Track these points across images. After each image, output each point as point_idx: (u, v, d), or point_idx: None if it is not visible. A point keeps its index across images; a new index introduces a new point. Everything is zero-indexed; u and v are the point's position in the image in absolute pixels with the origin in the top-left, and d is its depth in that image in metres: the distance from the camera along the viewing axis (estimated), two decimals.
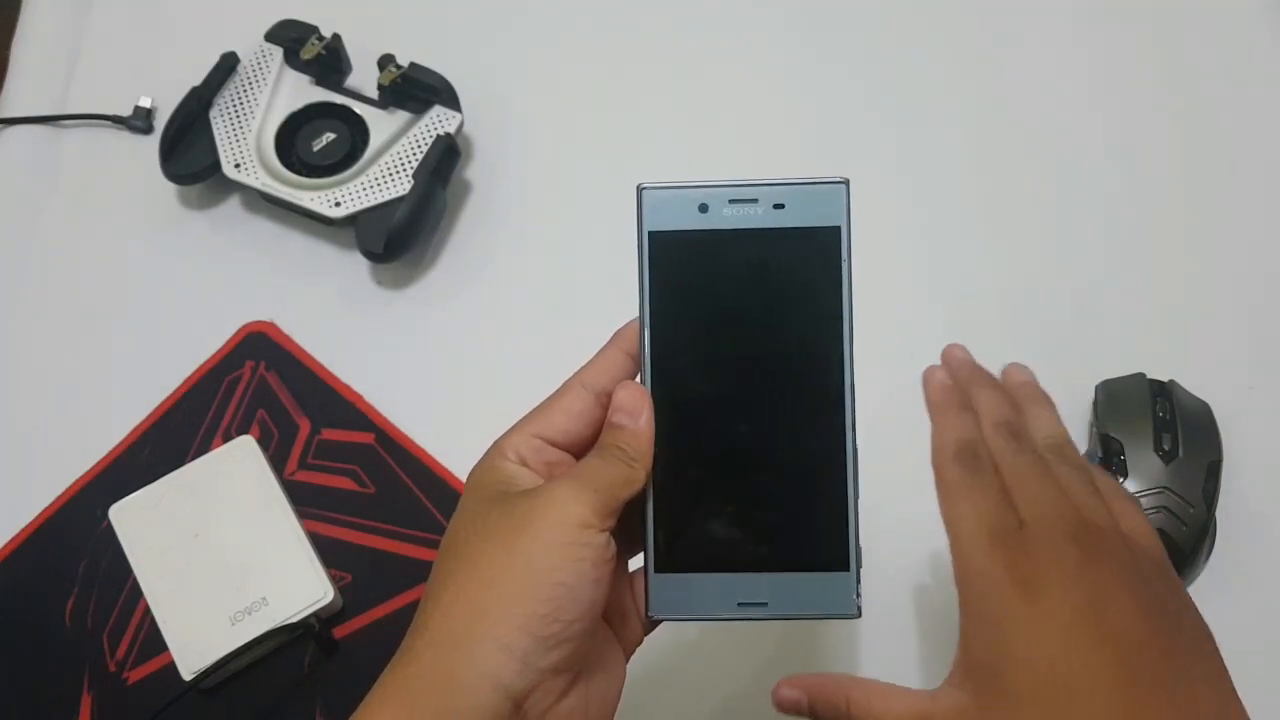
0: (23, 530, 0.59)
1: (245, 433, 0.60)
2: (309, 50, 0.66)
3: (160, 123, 0.67)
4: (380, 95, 0.66)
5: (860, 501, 0.37)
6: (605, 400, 0.37)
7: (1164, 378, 0.58)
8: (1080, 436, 0.59)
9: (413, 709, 0.33)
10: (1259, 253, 0.65)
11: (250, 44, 0.67)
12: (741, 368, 0.37)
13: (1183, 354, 0.61)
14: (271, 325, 0.64)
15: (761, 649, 0.56)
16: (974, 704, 0.34)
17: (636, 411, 0.36)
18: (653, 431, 0.36)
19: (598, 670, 0.36)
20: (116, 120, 0.69)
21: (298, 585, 0.54)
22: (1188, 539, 0.54)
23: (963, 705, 0.35)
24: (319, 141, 0.65)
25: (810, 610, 0.37)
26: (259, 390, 0.62)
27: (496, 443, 0.37)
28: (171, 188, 0.67)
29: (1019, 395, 0.43)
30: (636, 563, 0.38)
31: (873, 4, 0.73)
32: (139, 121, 0.69)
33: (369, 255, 0.63)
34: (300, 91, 0.66)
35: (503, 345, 0.63)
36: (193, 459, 0.58)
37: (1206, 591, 0.55)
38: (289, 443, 0.60)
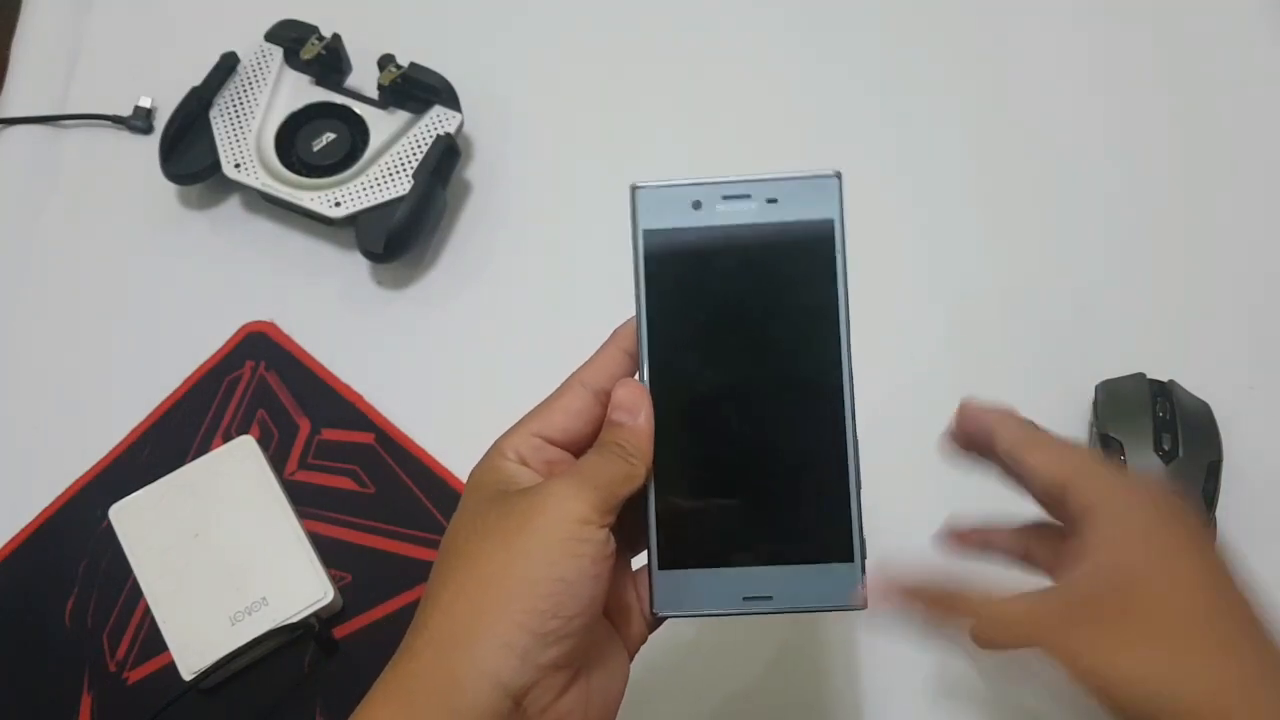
0: (23, 530, 0.59)
1: (245, 433, 0.60)
2: (309, 50, 0.66)
3: (160, 123, 0.67)
4: (380, 95, 0.66)
5: (863, 492, 0.37)
6: (604, 399, 0.37)
7: (1164, 378, 0.58)
8: (1080, 436, 0.59)
9: (412, 707, 0.33)
10: (1259, 252, 0.65)
11: (250, 44, 0.67)
12: (739, 362, 0.37)
13: (1183, 354, 0.61)
14: (271, 325, 0.64)
15: (764, 647, 0.56)
16: (1107, 597, 0.35)
17: (635, 409, 0.36)
18: (652, 428, 0.36)
19: (599, 668, 0.36)
20: (116, 120, 0.69)
21: (298, 585, 0.54)
22: None
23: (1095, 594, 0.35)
24: (319, 141, 0.65)
25: (815, 603, 0.37)
26: (259, 390, 0.62)
27: (496, 442, 0.37)
28: (171, 188, 0.67)
29: None
30: (640, 561, 0.38)
31: (873, 4, 0.73)
32: (139, 121, 0.69)
33: (369, 255, 0.63)
34: (300, 91, 0.66)
35: (503, 345, 0.63)
36: (193, 459, 0.58)
37: None
38: (289, 443, 0.60)
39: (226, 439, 0.59)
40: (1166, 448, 0.55)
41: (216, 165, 0.64)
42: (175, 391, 0.62)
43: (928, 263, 0.65)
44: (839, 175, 0.37)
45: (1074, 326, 0.63)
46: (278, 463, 0.60)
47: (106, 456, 0.60)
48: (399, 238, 0.62)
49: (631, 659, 0.38)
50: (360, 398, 0.62)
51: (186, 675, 0.52)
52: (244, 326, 0.64)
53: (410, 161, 0.63)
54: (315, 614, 0.54)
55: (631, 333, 0.38)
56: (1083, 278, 0.64)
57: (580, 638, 0.34)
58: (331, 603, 0.54)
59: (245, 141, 0.64)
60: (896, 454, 0.59)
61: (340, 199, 0.63)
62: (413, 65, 0.66)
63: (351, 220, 0.63)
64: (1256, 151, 0.67)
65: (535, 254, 0.66)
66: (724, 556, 0.37)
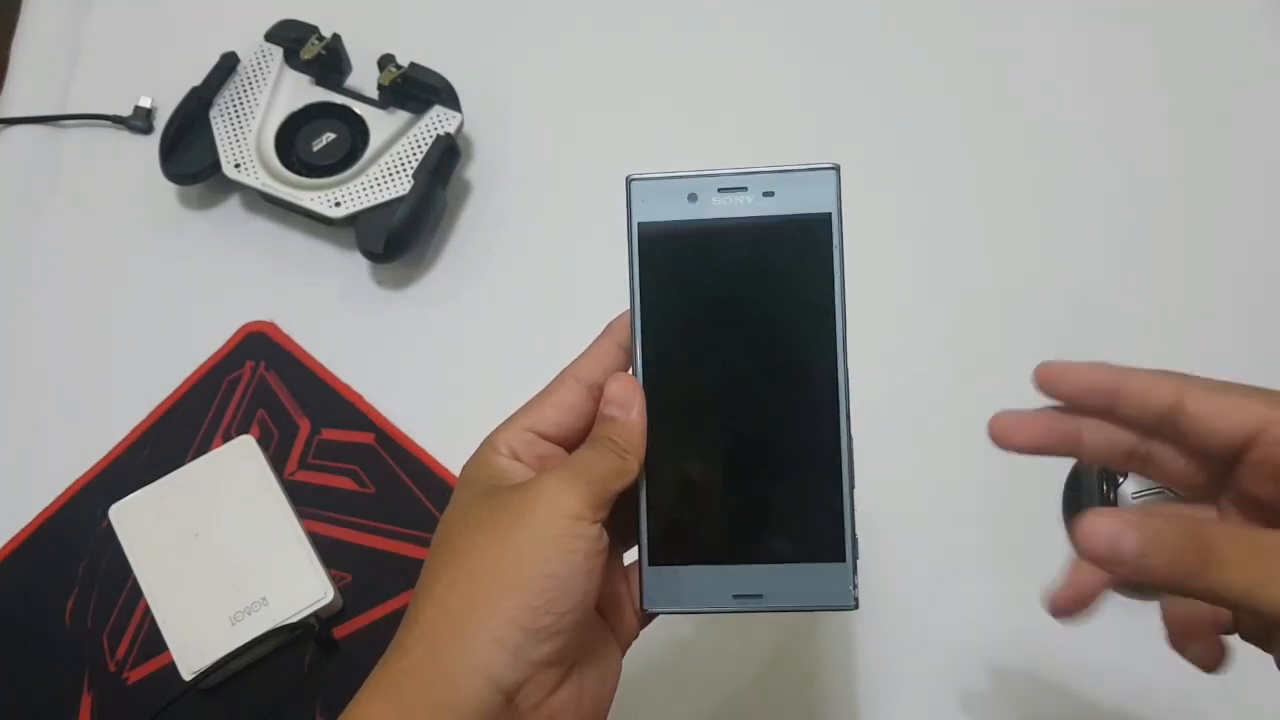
0: (23, 530, 0.59)
1: (245, 433, 0.60)
2: (309, 50, 0.66)
3: (160, 123, 0.67)
4: (380, 95, 0.66)
5: (856, 491, 0.36)
6: (597, 393, 0.37)
7: None
8: None
9: (404, 703, 0.33)
10: (1259, 252, 0.65)
11: (250, 44, 0.67)
12: (734, 358, 0.37)
13: (1183, 354, 0.60)
14: (271, 325, 0.64)
15: (760, 648, 0.56)
16: None
17: (628, 403, 0.36)
18: (645, 423, 0.36)
19: (591, 664, 0.36)
20: (116, 120, 0.69)
21: (298, 585, 0.54)
22: None
23: None
24: (319, 141, 0.65)
25: (807, 602, 0.37)
26: (259, 390, 0.62)
27: (488, 437, 0.37)
28: (171, 188, 0.67)
29: None
30: (632, 556, 0.38)
31: (873, 4, 0.73)
32: (139, 121, 0.69)
33: (369, 255, 0.63)
34: (300, 91, 0.66)
35: (503, 345, 0.63)
36: (193, 459, 0.58)
37: None
38: (289, 443, 0.60)
39: (226, 439, 0.59)
40: None
41: (216, 165, 0.64)
42: (175, 391, 0.62)
43: (928, 262, 0.65)
44: (837, 168, 0.37)
45: (1074, 326, 0.63)
46: (278, 463, 0.60)
47: (106, 456, 0.60)
48: (399, 238, 0.62)
49: (623, 654, 0.38)
50: (360, 398, 0.62)
51: (186, 675, 0.52)
52: (244, 326, 0.64)
53: (410, 161, 0.63)
54: (315, 614, 0.54)
55: (625, 326, 0.37)
56: (1083, 278, 0.64)
57: (572, 634, 0.34)
58: (331, 603, 0.54)
59: (245, 141, 0.64)
60: (896, 454, 0.59)
61: (340, 199, 0.63)
62: (413, 65, 0.66)
63: (351, 220, 0.63)
64: (1257, 151, 0.67)
65: (535, 254, 0.66)
66: (715, 553, 0.37)
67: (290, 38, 0.67)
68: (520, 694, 0.33)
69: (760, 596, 0.37)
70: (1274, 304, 0.63)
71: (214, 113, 0.65)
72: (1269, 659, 0.33)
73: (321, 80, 0.67)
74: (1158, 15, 0.72)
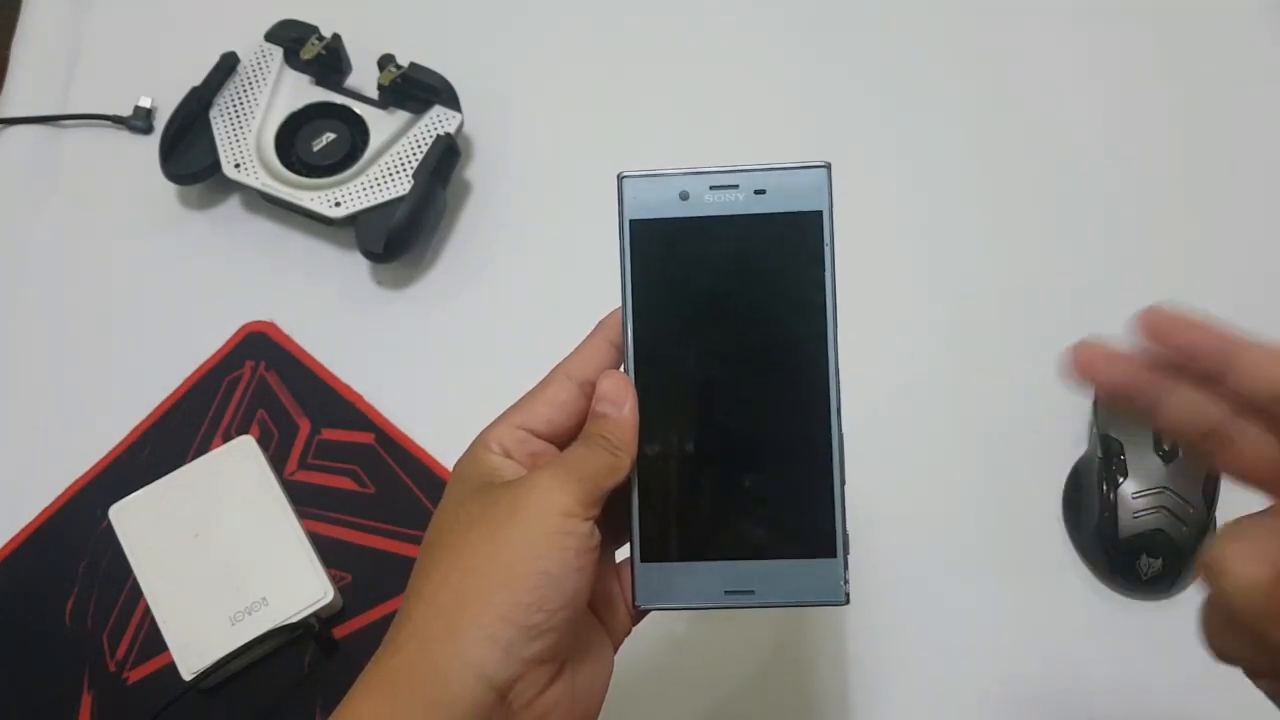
0: (23, 530, 0.59)
1: (245, 433, 0.60)
2: (309, 50, 0.66)
3: (160, 123, 0.67)
4: (380, 95, 0.66)
5: (849, 489, 0.37)
6: (589, 390, 0.37)
7: None
8: (1080, 436, 0.59)
9: (396, 700, 0.33)
10: (1259, 252, 0.65)
11: (250, 44, 0.67)
12: (726, 355, 0.37)
13: None
14: (271, 325, 0.64)
15: (755, 648, 0.56)
16: None
17: (620, 400, 0.36)
18: (637, 420, 0.36)
19: (584, 661, 0.36)
20: (116, 120, 0.69)
21: (298, 585, 0.54)
22: (1188, 539, 0.54)
23: None
24: (319, 141, 0.65)
25: (798, 598, 0.37)
26: (259, 390, 0.62)
27: (480, 435, 0.37)
28: (171, 188, 0.67)
29: None
30: (624, 553, 0.38)
31: (873, 4, 0.73)
32: (139, 121, 0.69)
33: (369, 255, 0.63)
34: (300, 91, 0.66)
35: (502, 345, 0.63)
36: (193, 459, 0.58)
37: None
38: (289, 443, 0.60)
39: (226, 439, 0.59)
40: (1167, 448, 0.55)
41: (216, 165, 0.64)
42: (175, 391, 0.62)
43: (928, 262, 0.65)
44: (828, 166, 0.37)
45: (1074, 326, 0.63)
46: (278, 463, 0.60)
47: (106, 456, 0.60)
48: (399, 238, 0.62)
49: (616, 651, 0.38)
50: (360, 398, 0.62)
51: (186, 675, 0.52)
52: (244, 326, 0.64)
53: (410, 161, 0.63)
54: (315, 614, 0.54)
55: (617, 323, 0.37)
56: (1083, 278, 0.64)
57: (564, 631, 0.34)
58: (331, 603, 0.54)
59: (245, 141, 0.64)
60: (896, 453, 0.59)
61: (340, 199, 0.63)
62: (413, 65, 0.66)
63: (351, 220, 0.63)
64: (1257, 151, 0.67)
65: (535, 254, 0.66)
66: (707, 549, 0.37)
67: (290, 38, 0.67)
68: (513, 691, 0.33)
69: (752, 592, 0.37)
70: (1274, 304, 0.63)
71: (214, 113, 0.65)
72: None
73: (321, 80, 0.67)
74: (1158, 15, 0.72)
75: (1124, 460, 0.55)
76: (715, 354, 0.37)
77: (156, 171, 0.65)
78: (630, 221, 0.37)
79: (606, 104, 0.70)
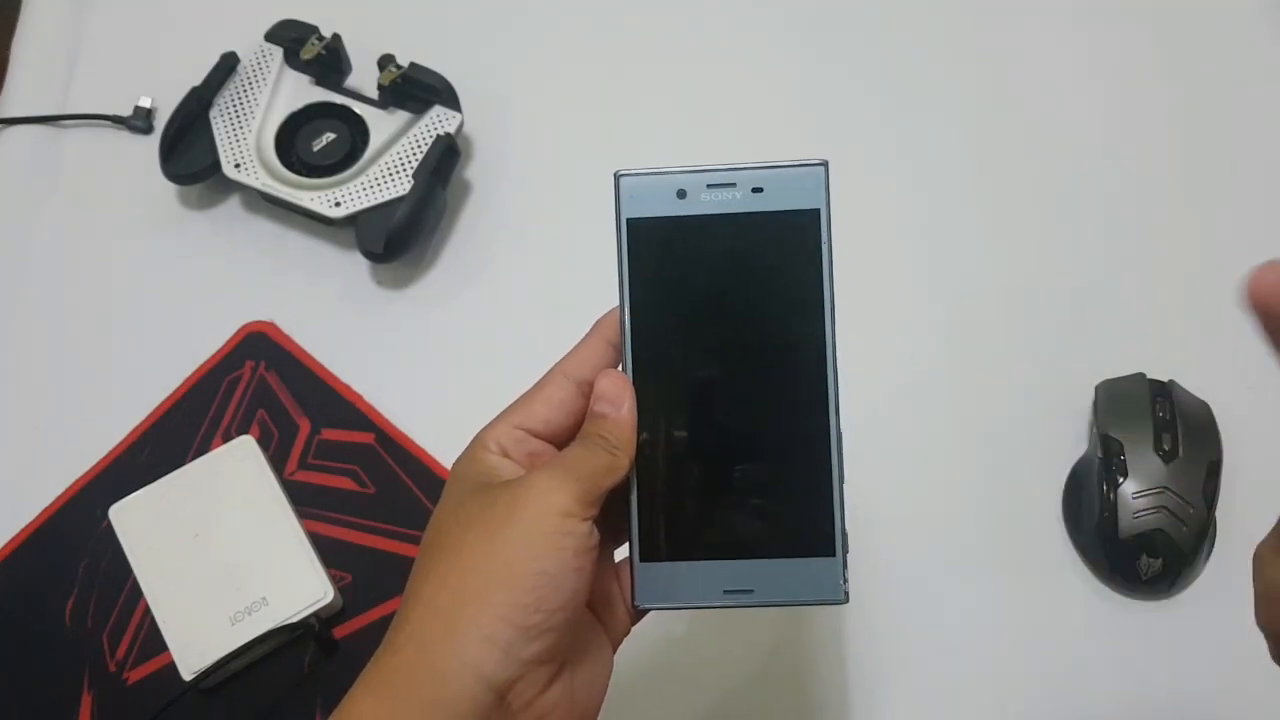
0: (23, 530, 0.59)
1: (245, 433, 0.60)
2: (309, 50, 0.66)
3: (160, 123, 0.67)
4: (380, 95, 0.66)
5: (847, 488, 0.37)
6: (587, 390, 0.37)
7: (1164, 378, 0.58)
8: (1080, 436, 0.59)
9: (395, 701, 0.33)
10: (1259, 252, 0.64)
11: (250, 44, 0.67)
12: (723, 354, 0.37)
13: (1183, 354, 0.61)
14: (271, 325, 0.64)
15: (754, 647, 0.56)
16: None
17: (618, 400, 0.36)
18: (635, 419, 0.36)
19: (583, 661, 0.36)
20: (116, 120, 0.69)
21: (298, 585, 0.54)
22: (1188, 539, 0.54)
23: None
24: (319, 141, 0.65)
25: (797, 596, 0.37)
26: (259, 390, 0.62)
27: (478, 435, 0.37)
28: (171, 188, 0.67)
29: None
30: (623, 552, 0.38)
31: (873, 4, 0.73)
32: (139, 121, 0.69)
33: (369, 255, 0.63)
34: (300, 91, 0.66)
35: (502, 345, 0.63)
36: (193, 459, 0.58)
37: (1206, 591, 0.55)
38: (289, 443, 0.60)
39: (226, 439, 0.59)
40: (1166, 448, 0.55)
41: (216, 165, 0.64)
42: (175, 391, 0.62)
43: (928, 262, 0.65)
44: (825, 164, 0.37)
45: (1074, 326, 0.63)
46: (278, 463, 0.60)
47: (106, 456, 0.60)
48: (399, 238, 0.62)
49: (615, 650, 0.38)
50: (360, 398, 0.62)
51: (186, 675, 0.52)
52: (244, 326, 0.64)
53: (410, 161, 0.63)
54: (315, 614, 0.54)
55: (614, 323, 0.37)
56: (1083, 278, 0.64)
57: (563, 632, 0.34)
58: (331, 603, 0.54)
59: (245, 141, 0.64)
60: (896, 453, 0.59)
61: (340, 199, 0.63)
62: (413, 65, 0.66)
63: (351, 220, 0.63)
64: (1257, 151, 0.67)
65: (535, 254, 0.66)
66: (706, 549, 0.37)
67: (290, 38, 0.67)
68: (512, 692, 0.33)
69: (751, 591, 0.37)
70: None
71: (214, 113, 0.65)
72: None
73: (321, 80, 0.67)
74: (1158, 15, 0.72)
75: (1124, 460, 0.55)
76: (713, 353, 0.37)
77: (156, 171, 0.65)
78: (627, 220, 0.37)
79: (606, 104, 0.70)
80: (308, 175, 0.64)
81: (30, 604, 0.57)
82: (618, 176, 0.37)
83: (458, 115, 0.65)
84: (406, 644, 0.34)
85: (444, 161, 0.64)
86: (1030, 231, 0.66)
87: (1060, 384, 0.60)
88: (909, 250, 0.65)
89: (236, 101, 0.66)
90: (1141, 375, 0.58)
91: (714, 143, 0.68)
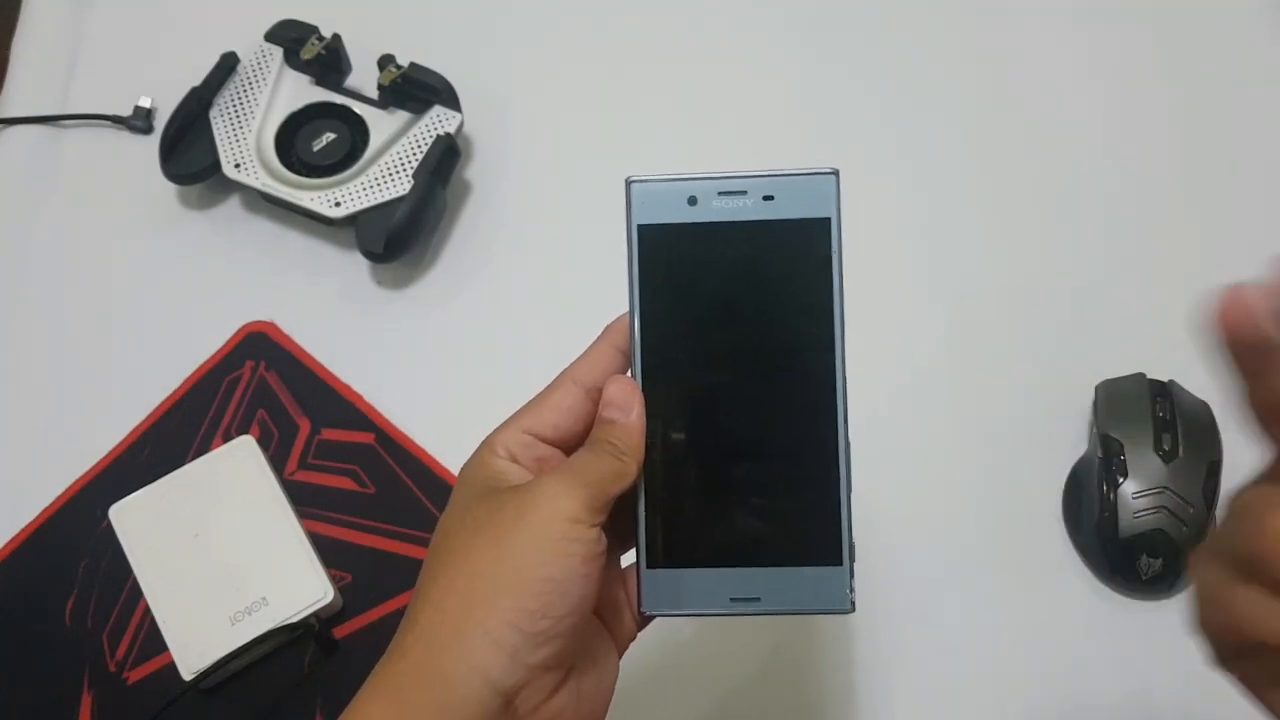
0: (23, 530, 0.59)
1: (245, 433, 0.60)
2: (309, 50, 0.66)
3: (160, 123, 0.67)
4: (380, 95, 0.66)
5: (854, 495, 0.37)
6: (596, 395, 0.37)
7: (1164, 378, 0.58)
8: (1080, 436, 0.59)
9: (403, 704, 0.33)
10: (1259, 252, 0.64)
11: (250, 44, 0.67)
12: (733, 361, 0.37)
13: (1183, 354, 0.60)
14: (271, 325, 0.64)
15: (757, 649, 0.56)
16: None
17: (627, 406, 0.36)
18: (644, 426, 0.36)
19: (590, 667, 0.36)
20: (116, 120, 0.69)
21: (298, 585, 0.54)
22: (1188, 539, 0.54)
23: None
24: (319, 141, 0.65)
25: (803, 605, 0.37)
26: (259, 390, 0.62)
27: (486, 439, 0.37)
28: (171, 188, 0.67)
29: None
30: (629, 559, 0.38)
31: (873, 4, 0.73)
32: (139, 121, 0.69)
33: (369, 255, 0.63)
34: (300, 91, 0.66)
35: (503, 345, 0.63)
36: (193, 459, 0.58)
37: None
38: (289, 443, 0.60)
39: (226, 439, 0.59)
40: (1166, 448, 0.55)
41: (216, 165, 0.64)
42: (175, 391, 0.62)
43: (928, 263, 0.65)
44: (836, 173, 0.36)
45: (1074, 326, 0.63)
46: (278, 463, 0.60)
47: (106, 456, 0.60)
48: (399, 238, 0.62)
49: (621, 656, 0.38)
50: (360, 398, 0.62)
51: (186, 675, 0.52)
52: (244, 326, 0.64)
53: (410, 161, 0.63)
54: (315, 614, 0.54)
55: (624, 329, 0.37)
56: (1083, 278, 0.64)
57: (570, 638, 0.34)
58: (331, 603, 0.54)
59: (245, 141, 0.64)
60: (896, 453, 0.59)
61: (340, 199, 0.63)
62: (413, 65, 0.66)
63: (351, 220, 0.63)
64: (1256, 151, 0.67)
65: (535, 254, 0.66)
66: (712, 556, 0.37)
67: (290, 38, 0.67)
68: (519, 697, 0.33)
69: (757, 599, 0.37)
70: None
71: (214, 113, 0.65)
72: None
73: (321, 80, 0.67)
74: (1158, 15, 0.72)
75: (1124, 460, 0.55)
76: (722, 360, 0.37)
77: (156, 171, 0.65)
78: (638, 226, 0.37)
79: (606, 104, 0.70)
80: (308, 175, 0.64)
81: (30, 604, 0.57)
82: (629, 183, 0.37)
83: (458, 115, 0.65)
84: (414, 647, 0.34)
85: (444, 161, 0.64)
86: (1030, 231, 0.66)
87: (1060, 384, 0.60)
88: (909, 250, 0.65)
89: (236, 101, 0.66)
90: (1141, 375, 0.58)
91: (714, 143, 0.68)
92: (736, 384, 0.37)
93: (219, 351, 0.63)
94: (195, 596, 0.54)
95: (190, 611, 0.54)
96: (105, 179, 0.68)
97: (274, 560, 0.55)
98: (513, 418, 0.38)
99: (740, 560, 0.37)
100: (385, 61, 0.65)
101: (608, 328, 0.38)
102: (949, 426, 0.61)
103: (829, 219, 0.36)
